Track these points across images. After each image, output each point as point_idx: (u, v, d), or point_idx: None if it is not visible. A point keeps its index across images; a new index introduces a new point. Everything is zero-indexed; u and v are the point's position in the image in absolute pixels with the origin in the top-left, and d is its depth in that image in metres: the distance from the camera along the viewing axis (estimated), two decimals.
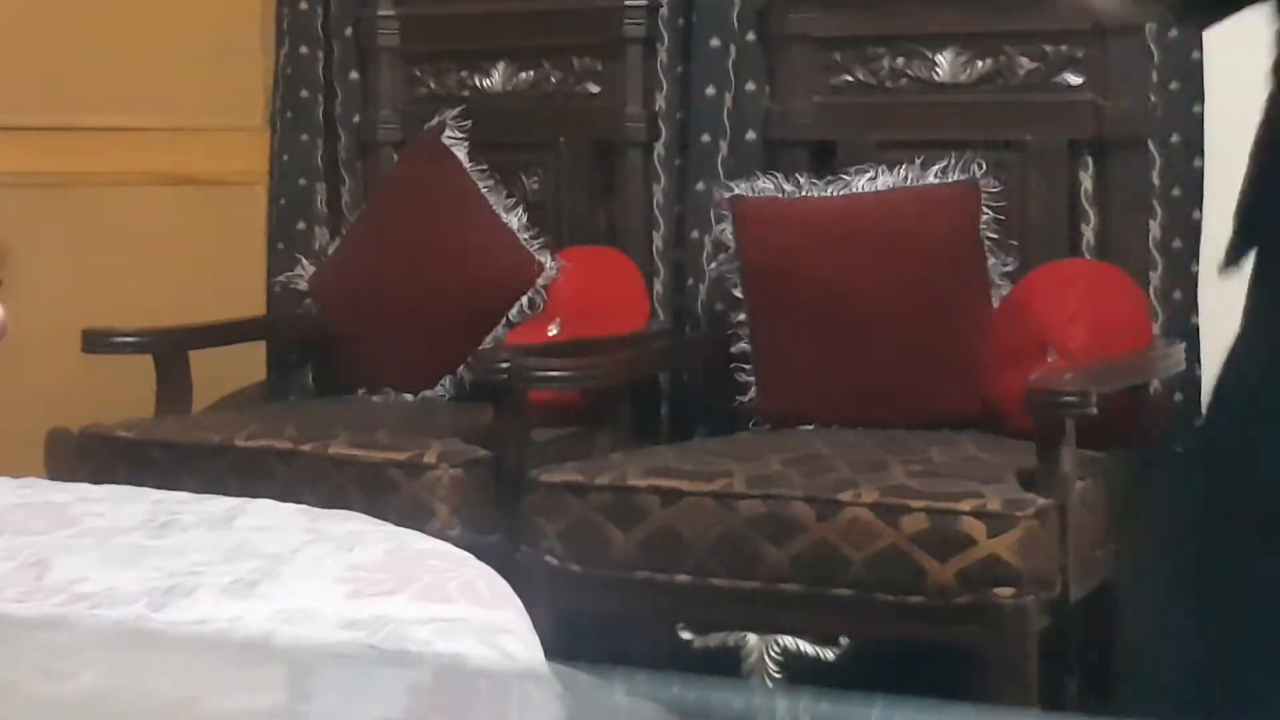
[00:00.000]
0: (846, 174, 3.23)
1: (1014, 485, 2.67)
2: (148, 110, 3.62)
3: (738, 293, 3.27)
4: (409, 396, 3.50)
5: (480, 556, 2.02)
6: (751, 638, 3.11)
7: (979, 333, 3.08)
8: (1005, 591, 2.54)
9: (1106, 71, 3.18)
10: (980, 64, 3.21)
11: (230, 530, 2.10)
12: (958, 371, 3.09)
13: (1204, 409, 3.15)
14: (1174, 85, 3.17)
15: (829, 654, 2.72)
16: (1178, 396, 3.18)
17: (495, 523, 2.90)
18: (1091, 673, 3.17)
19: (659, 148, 3.52)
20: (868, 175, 3.19)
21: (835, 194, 3.20)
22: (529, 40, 3.63)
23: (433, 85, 3.72)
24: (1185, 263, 3.19)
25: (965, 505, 2.58)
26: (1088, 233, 3.20)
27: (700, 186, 3.41)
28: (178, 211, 3.68)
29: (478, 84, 3.67)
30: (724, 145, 3.38)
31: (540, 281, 3.40)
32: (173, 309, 3.39)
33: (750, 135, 3.41)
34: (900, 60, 3.32)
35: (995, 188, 3.13)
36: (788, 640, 2.79)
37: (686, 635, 2.79)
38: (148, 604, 1.81)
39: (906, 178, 3.16)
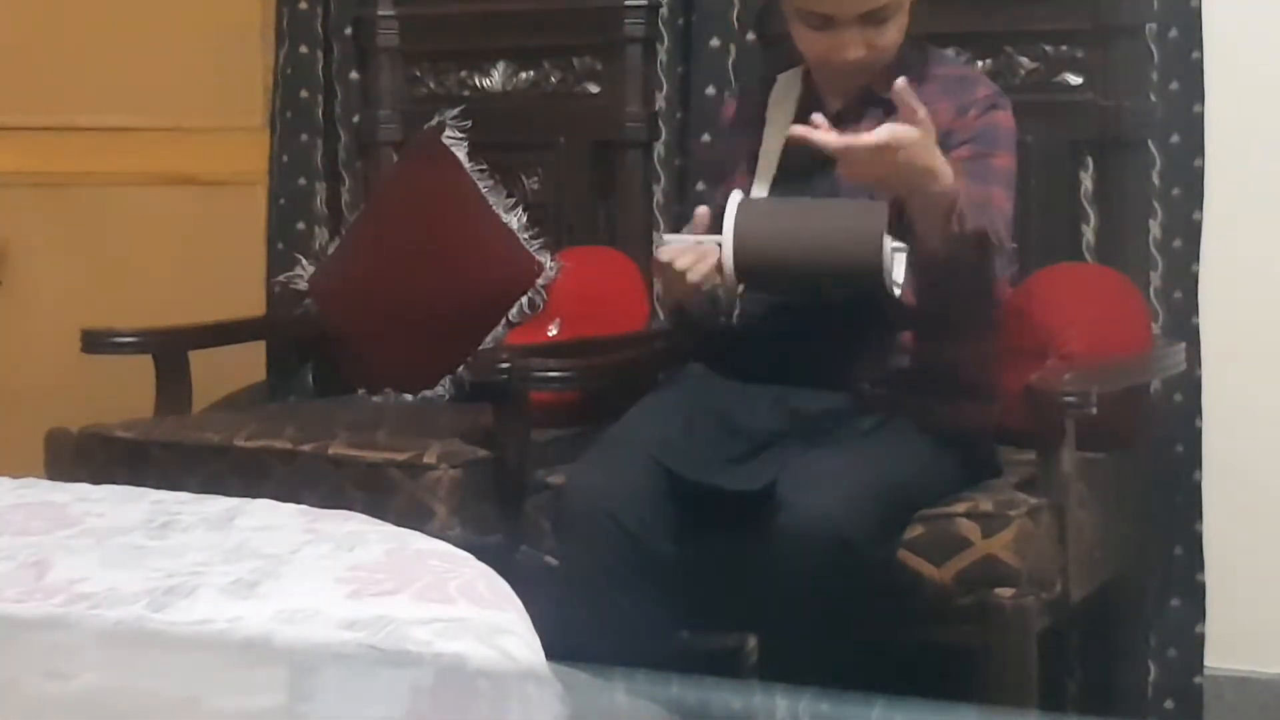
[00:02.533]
0: None
1: (1007, 487, 2.67)
2: (148, 110, 3.61)
3: None
4: (409, 396, 3.49)
5: (480, 556, 2.02)
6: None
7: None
8: (1005, 592, 2.54)
9: (1106, 71, 3.17)
10: (980, 64, 3.21)
11: (230, 530, 2.10)
12: None
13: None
14: (1174, 85, 3.17)
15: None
16: (1178, 397, 3.18)
17: (495, 523, 2.89)
18: (1091, 673, 3.18)
19: (659, 148, 3.52)
20: None
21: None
22: (529, 40, 3.63)
23: (433, 85, 3.72)
24: (1185, 263, 3.18)
25: (959, 507, 2.58)
26: (1088, 233, 3.20)
27: (700, 186, 3.41)
28: (178, 211, 3.68)
29: (478, 84, 3.67)
30: None
31: (540, 281, 3.40)
32: (173, 309, 3.39)
33: None
34: None
35: None
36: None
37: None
38: (148, 604, 1.80)
39: None
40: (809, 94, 2.85)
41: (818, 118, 2.54)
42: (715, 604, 2.70)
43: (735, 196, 2.61)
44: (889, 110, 2.73)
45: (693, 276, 2.60)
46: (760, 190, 2.78)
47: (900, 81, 2.50)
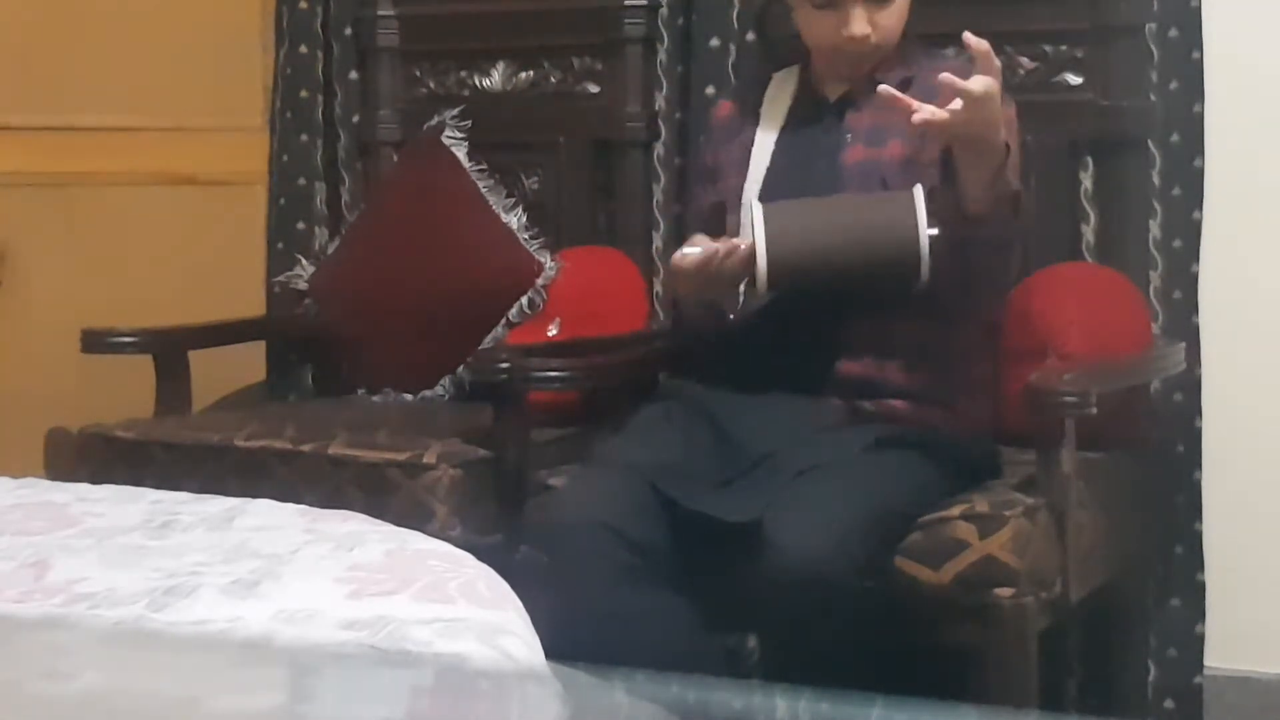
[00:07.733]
0: None
1: (1003, 487, 2.67)
2: (148, 110, 3.61)
3: None
4: (409, 396, 3.49)
5: (480, 556, 2.02)
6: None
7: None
8: (1004, 592, 2.53)
9: (1106, 71, 3.18)
10: None
11: (230, 530, 2.10)
12: None
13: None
14: (1174, 85, 3.17)
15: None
16: (1178, 397, 3.18)
17: (495, 523, 2.89)
18: (1091, 673, 3.18)
19: (659, 148, 3.52)
20: None
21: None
22: (529, 40, 3.63)
23: (432, 85, 3.72)
24: (1185, 263, 3.18)
25: (955, 510, 2.57)
26: (1088, 233, 3.20)
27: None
28: (178, 211, 3.68)
29: (477, 84, 3.67)
30: None
31: (540, 281, 3.40)
32: (173, 309, 3.39)
33: None
34: None
35: None
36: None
37: None
38: (148, 604, 1.81)
39: None
40: (806, 88, 2.84)
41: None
42: (711, 616, 2.68)
43: (757, 206, 2.57)
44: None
45: (725, 267, 2.58)
46: (754, 185, 2.76)
47: (946, 76, 2.50)
